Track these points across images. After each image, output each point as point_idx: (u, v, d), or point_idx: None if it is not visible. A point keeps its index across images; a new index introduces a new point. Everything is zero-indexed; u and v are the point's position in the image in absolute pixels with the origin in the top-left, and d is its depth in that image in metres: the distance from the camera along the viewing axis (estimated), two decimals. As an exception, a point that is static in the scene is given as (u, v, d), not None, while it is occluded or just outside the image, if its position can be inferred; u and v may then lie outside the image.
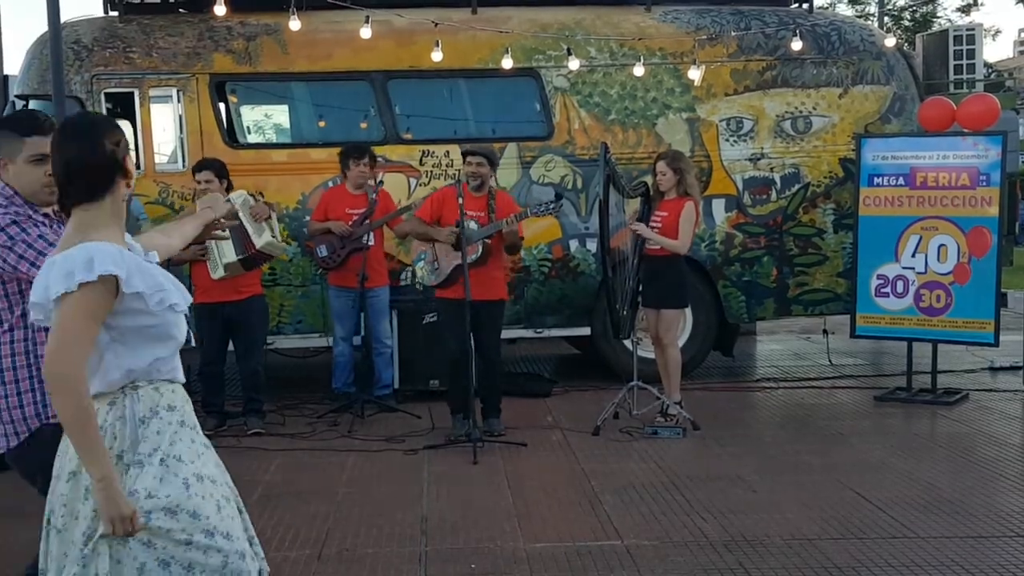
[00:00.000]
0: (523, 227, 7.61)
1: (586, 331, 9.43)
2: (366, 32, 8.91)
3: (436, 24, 9.12)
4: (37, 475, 3.23)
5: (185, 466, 2.89)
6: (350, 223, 8.12)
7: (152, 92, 9.13)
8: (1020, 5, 32.42)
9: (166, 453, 2.87)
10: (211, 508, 2.89)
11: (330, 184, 8.81)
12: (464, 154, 7.67)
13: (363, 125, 9.52)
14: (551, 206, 7.40)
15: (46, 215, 3.46)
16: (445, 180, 8.96)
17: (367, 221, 8.05)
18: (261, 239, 7.47)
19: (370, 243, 8.07)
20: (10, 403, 3.33)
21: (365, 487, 6.34)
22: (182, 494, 2.82)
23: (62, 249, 2.88)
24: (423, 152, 9.18)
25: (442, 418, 7.62)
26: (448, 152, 9.09)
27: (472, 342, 7.19)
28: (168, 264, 7.72)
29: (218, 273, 7.50)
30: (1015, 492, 6.05)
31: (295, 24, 8.85)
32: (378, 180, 8.43)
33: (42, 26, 8.48)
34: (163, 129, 9.32)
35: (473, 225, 7.26)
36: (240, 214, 7.36)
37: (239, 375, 8.06)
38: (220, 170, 7.80)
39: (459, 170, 8.21)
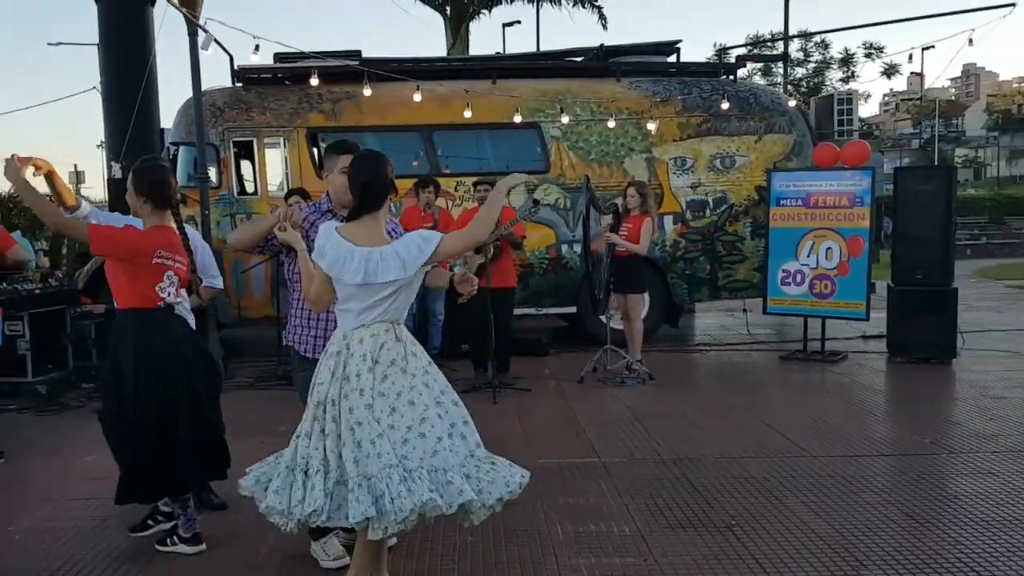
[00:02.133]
0: (525, 231, 7.63)
1: (573, 309, 9.46)
2: (417, 97, 8.96)
3: (467, 91, 9.15)
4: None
5: None
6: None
7: (266, 140, 9.18)
8: (883, 77, 32.28)
9: None
10: None
11: (393, 207, 8.80)
12: (475, 184, 7.69)
13: (415, 163, 9.53)
14: (531, 209, 7.38)
15: (333, 212, 3.62)
16: (473, 202, 8.97)
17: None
18: None
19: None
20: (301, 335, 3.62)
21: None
22: None
23: (370, 243, 3.08)
24: (457, 182, 9.21)
25: (469, 371, 7.64)
26: (475, 182, 9.13)
27: (491, 317, 7.20)
28: (279, 260, 7.77)
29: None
30: (880, 424, 6.06)
31: (367, 91, 8.90)
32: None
33: (188, 93, 8.52)
34: (273, 167, 9.36)
35: None
36: None
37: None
38: (305, 195, 7.82)
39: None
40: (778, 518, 4.15)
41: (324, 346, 3.29)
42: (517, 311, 8.66)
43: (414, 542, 3.91)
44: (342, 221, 3.35)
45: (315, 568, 3.67)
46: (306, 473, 3.01)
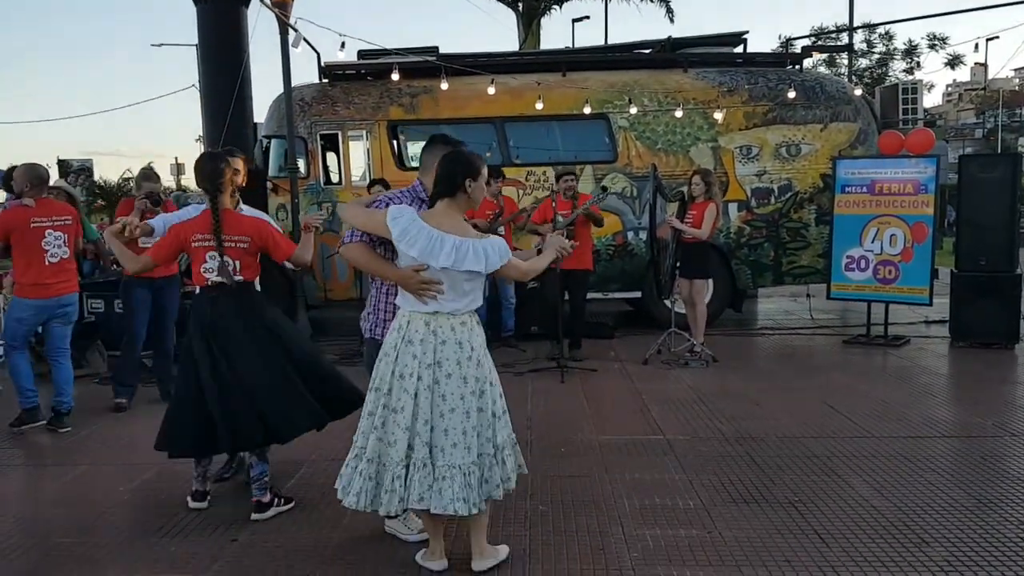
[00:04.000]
0: (599, 212, 7.64)
1: (638, 294, 9.39)
2: (491, 90, 8.97)
3: (539, 83, 9.13)
4: None
5: None
6: (488, 219, 8.15)
7: (350, 133, 9.31)
8: (947, 68, 31.03)
9: None
10: None
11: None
12: (559, 175, 7.68)
13: (488, 154, 9.56)
14: (599, 196, 7.63)
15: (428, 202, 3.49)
16: (543, 191, 8.98)
17: (499, 218, 8.06)
18: None
19: (501, 233, 8.07)
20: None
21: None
22: None
23: (458, 233, 3.14)
24: (527, 172, 9.21)
25: (538, 351, 7.66)
26: (544, 172, 9.11)
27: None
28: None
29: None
30: (943, 406, 5.88)
31: (444, 85, 8.96)
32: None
33: (278, 89, 8.71)
34: (356, 157, 9.50)
35: (560, 217, 7.28)
36: None
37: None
38: (386, 184, 7.92)
39: (553, 183, 8.17)
40: (840, 495, 4.07)
41: None
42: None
43: (491, 514, 3.96)
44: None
45: (394, 544, 3.72)
46: (407, 467, 3.12)
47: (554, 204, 7.32)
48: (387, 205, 3.34)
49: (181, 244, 4.03)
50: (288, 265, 4.33)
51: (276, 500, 4.08)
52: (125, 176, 31.42)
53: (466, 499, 3.06)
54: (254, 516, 3.97)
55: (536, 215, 7.78)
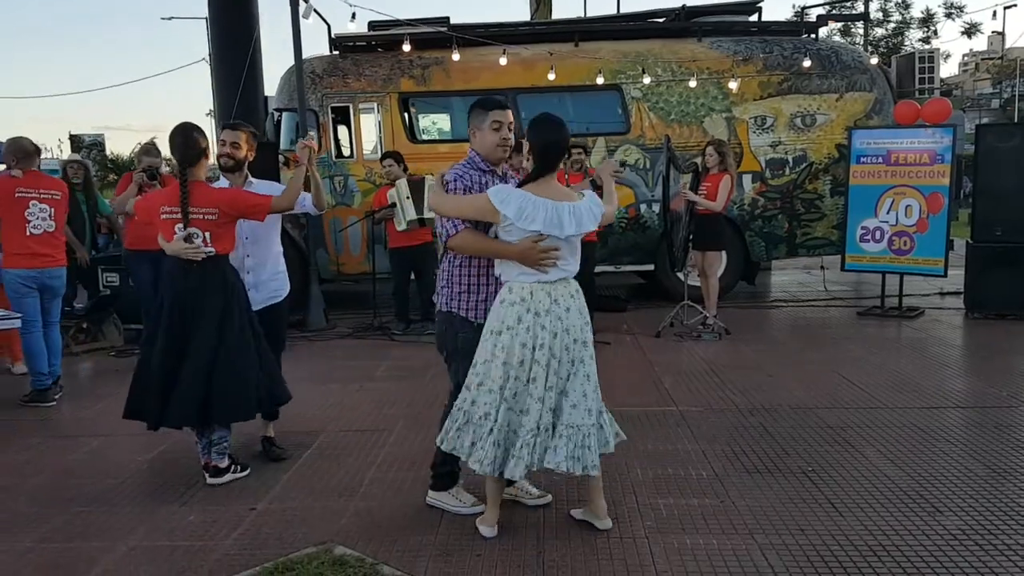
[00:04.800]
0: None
1: (651, 267, 9.36)
2: (503, 61, 8.91)
3: (551, 54, 9.07)
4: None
5: None
6: None
7: (361, 105, 9.28)
8: (963, 37, 30.58)
9: None
10: None
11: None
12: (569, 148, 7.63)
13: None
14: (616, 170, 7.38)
15: (492, 171, 3.48)
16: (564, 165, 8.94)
17: None
18: (429, 212, 7.59)
19: None
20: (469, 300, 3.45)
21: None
22: None
23: (566, 199, 3.29)
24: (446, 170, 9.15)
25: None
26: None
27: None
28: (373, 219, 7.97)
29: (401, 227, 7.64)
30: (957, 377, 5.86)
31: (456, 56, 8.91)
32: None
33: (289, 62, 8.69)
34: (368, 130, 9.47)
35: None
36: (426, 190, 7.53)
37: (419, 295, 8.17)
38: (398, 158, 7.93)
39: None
40: (854, 465, 4.08)
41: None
42: (597, 268, 8.65)
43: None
44: (498, 180, 3.45)
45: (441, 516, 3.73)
46: (536, 434, 3.21)
47: (567, 178, 7.28)
48: (455, 180, 3.38)
49: (151, 218, 4.06)
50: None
51: (233, 467, 4.15)
52: (135, 150, 31.53)
53: (580, 458, 3.20)
54: (209, 480, 4.06)
55: None
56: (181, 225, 3.95)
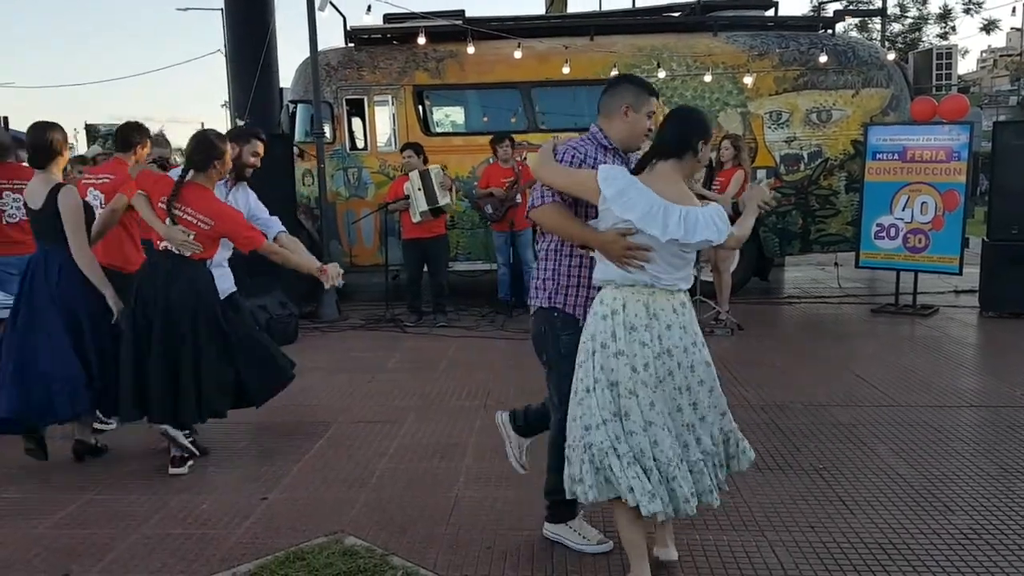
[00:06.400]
0: None
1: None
2: (517, 54, 8.91)
3: (566, 47, 9.05)
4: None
5: None
6: (504, 188, 8.13)
7: (376, 98, 9.29)
8: (982, 33, 30.21)
9: None
10: None
11: (490, 161, 8.88)
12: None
13: (513, 119, 9.51)
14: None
15: (616, 151, 3.06)
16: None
17: (516, 185, 8.04)
18: (441, 200, 7.63)
19: (518, 201, 8.07)
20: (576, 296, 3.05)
21: (512, 362, 6.41)
22: None
23: (680, 200, 2.74)
24: (554, 138, 9.12)
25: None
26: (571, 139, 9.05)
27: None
28: (387, 210, 7.99)
29: (416, 218, 7.67)
30: (970, 376, 5.83)
31: (470, 49, 8.91)
32: (522, 157, 8.40)
33: (304, 54, 8.70)
34: (382, 123, 9.49)
35: None
36: (433, 181, 7.56)
37: (430, 287, 8.19)
38: (418, 149, 7.94)
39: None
40: (865, 463, 4.07)
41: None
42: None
43: (517, 477, 4.01)
44: (619, 160, 3.04)
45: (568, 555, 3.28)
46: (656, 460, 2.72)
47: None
48: (567, 151, 2.97)
49: (153, 197, 4.11)
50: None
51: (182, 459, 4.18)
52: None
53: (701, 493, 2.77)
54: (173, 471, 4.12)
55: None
56: (170, 220, 4.01)
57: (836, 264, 10.02)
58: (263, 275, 6.32)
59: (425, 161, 7.91)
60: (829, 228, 9.22)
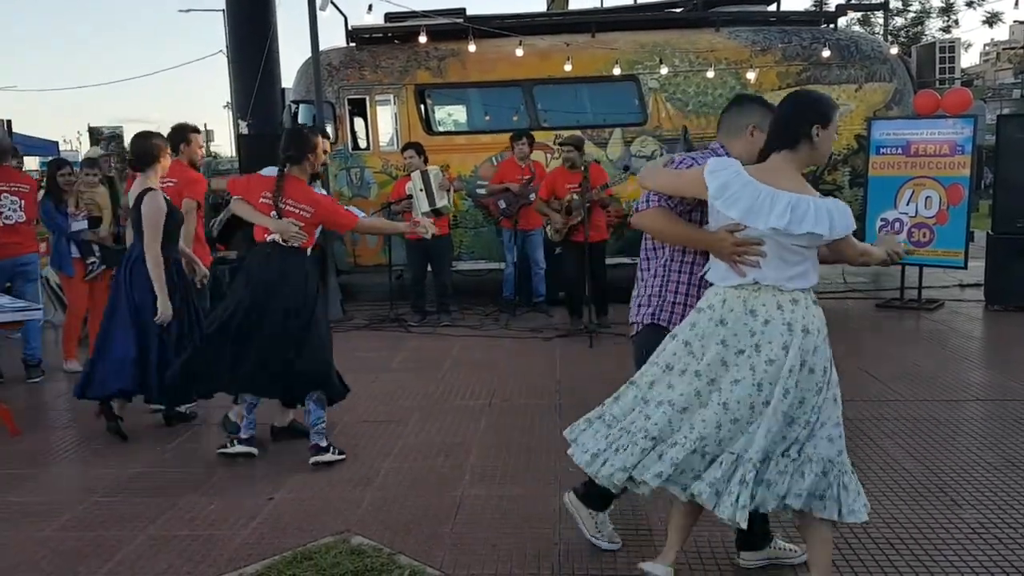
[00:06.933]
0: (614, 188, 7.62)
1: (669, 258, 9.30)
2: (519, 52, 8.89)
3: (568, 45, 9.04)
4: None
5: None
6: (520, 184, 8.08)
7: (378, 97, 9.29)
8: (985, 26, 30.10)
9: None
10: None
11: (495, 160, 8.86)
12: (560, 144, 7.62)
13: (515, 117, 9.49)
14: (620, 176, 7.69)
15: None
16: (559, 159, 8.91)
17: (531, 183, 8.00)
18: (439, 202, 7.65)
19: (531, 199, 7.99)
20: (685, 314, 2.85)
21: (517, 361, 6.42)
22: None
23: (796, 190, 2.56)
24: (556, 135, 9.12)
25: (566, 317, 7.66)
26: (560, 142, 9.04)
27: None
28: (390, 210, 7.99)
29: (418, 218, 7.68)
30: (976, 370, 5.82)
31: (472, 48, 8.90)
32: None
33: (306, 54, 8.70)
34: (384, 122, 9.49)
35: (574, 196, 7.27)
36: (432, 182, 7.59)
37: (434, 287, 8.18)
38: (419, 149, 7.94)
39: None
40: (871, 458, 4.06)
41: None
42: (614, 260, 8.63)
43: (522, 474, 4.01)
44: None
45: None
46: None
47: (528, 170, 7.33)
48: (684, 162, 2.83)
49: (251, 199, 4.30)
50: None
51: (332, 448, 4.26)
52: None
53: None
54: (312, 459, 4.18)
55: (544, 191, 7.67)
56: (275, 213, 4.22)
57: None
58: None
59: (425, 161, 7.91)
60: (833, 223, 9.19)
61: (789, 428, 2.54)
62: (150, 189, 4.61)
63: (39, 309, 5.67)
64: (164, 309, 4.51)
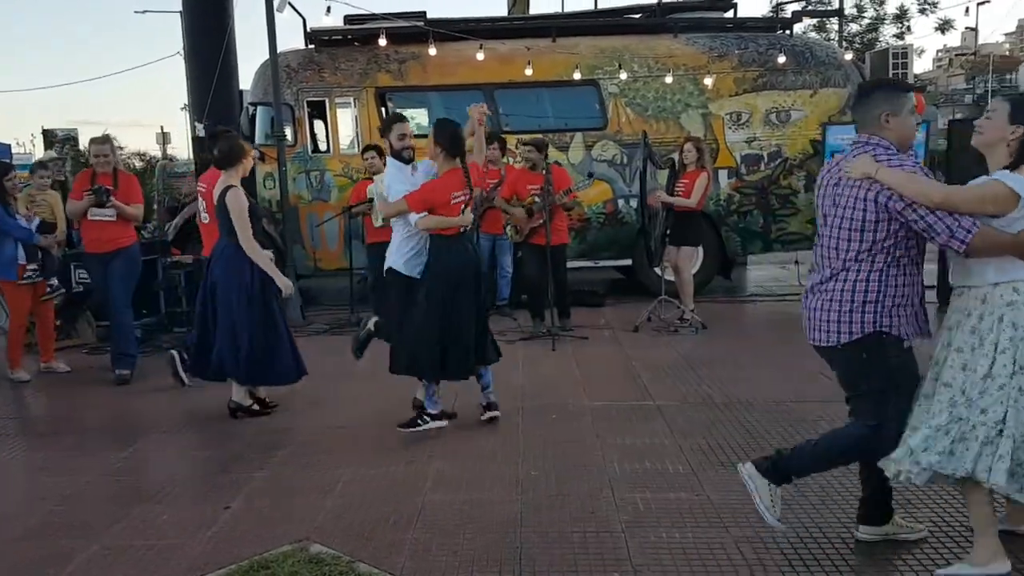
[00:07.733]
0: (578, 192, 7.62)
1: (628, 262, 9.39)
2: (480, 56, 8.90)
3: (528, 49, 9.07)
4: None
5: None
6: (486, 189, 8.04)
7: (337, 100, 9.24)
8: (937, 32, 30.76)
9: None
10: None
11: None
12: (525, 144, 7.60)
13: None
14: (585, 182, 7.69)
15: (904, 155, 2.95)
16: (521, 161, 8.92)
17: (498, 188, 7.95)
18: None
19: (496, 201, 7.90)
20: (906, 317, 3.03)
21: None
22: None
23: None
24: (517, 140, 9.13)
25: (529, 320, 7.67)
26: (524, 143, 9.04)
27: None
28: (350, 213, 7.93)
29: (378, 223, 7.61)
30: (922, 367, 5.91)
31: (432, 51, 8.89)
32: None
33: (264, 55, 8.62)
34: (344, 125, 9.43)
35: (536, 199, 7.24)
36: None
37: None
38: (380, 151, 7.88)
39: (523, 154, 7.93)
40: (827, 459, 4.11)
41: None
42: (575, 264, 8.67)
43: (483, 479, 4.00)
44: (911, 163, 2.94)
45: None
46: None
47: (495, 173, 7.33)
48: (906, 164, 2.90)
49: (440, 208, 4.62)
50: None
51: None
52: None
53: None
54: (487, 415, 4.84)
55: (505, 191, 7.68)
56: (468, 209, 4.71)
57: (796, 262, 10.14)
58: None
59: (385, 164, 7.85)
60: (789, 227, 9.34)
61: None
62: (232, 186, 4.82)
63: (61, 292, 5.66)
64: (284, 286, 4.92)
